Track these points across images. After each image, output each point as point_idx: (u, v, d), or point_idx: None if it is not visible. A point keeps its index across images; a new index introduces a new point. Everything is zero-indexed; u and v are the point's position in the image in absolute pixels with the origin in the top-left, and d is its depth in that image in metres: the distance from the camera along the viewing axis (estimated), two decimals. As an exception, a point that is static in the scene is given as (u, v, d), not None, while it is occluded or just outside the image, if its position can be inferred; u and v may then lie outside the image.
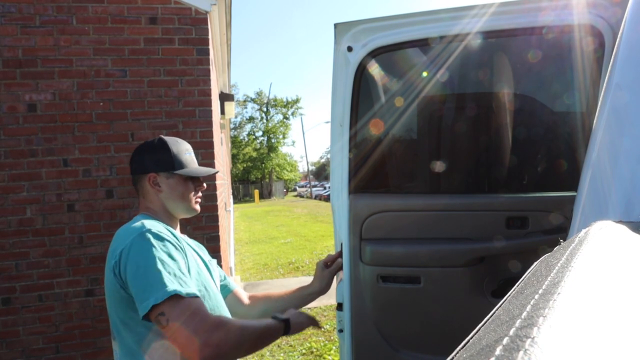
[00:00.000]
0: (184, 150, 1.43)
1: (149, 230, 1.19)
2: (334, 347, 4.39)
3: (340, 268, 1.72)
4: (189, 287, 1.12)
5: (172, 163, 1.37)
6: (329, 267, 1.69)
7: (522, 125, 1.69)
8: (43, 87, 2.99)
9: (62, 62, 3.01)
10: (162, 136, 1.41)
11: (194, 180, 1.42)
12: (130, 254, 1.15)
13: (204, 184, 1.46)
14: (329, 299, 5.99)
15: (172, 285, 1.09)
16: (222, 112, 6.69)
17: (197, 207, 1.43)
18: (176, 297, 1.08)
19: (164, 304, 1.07)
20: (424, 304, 1.63)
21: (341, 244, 1.77)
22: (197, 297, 1.12)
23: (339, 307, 1.80)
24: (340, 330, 1.82)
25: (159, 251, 1.15)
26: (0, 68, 2.92)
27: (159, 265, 1.12)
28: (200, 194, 1.46)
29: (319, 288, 1.64)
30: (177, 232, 1.39)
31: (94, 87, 3.06)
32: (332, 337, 4.66)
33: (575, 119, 1.61)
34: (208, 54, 3.23)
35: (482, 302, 1.55)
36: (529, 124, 1.73)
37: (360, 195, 1.72)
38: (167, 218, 1.38)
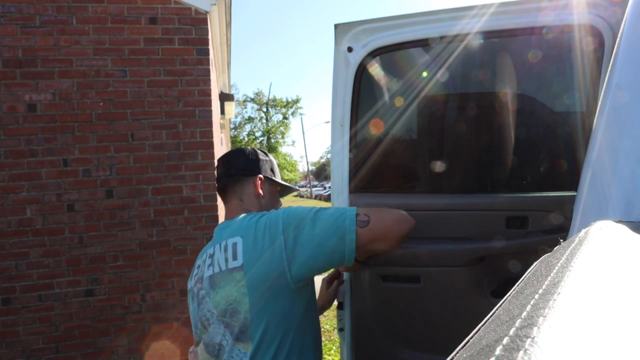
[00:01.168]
0: (277, 164, 1.52)
1: (288, 208, 1.23)
2: (334, 347, 4.39)
3: (341, 283, 1.75)
4: None
5: (274, 172, 1.45)
6: (332, 284, 1.72)
7: (522, 125, 1.69)
8: (43, 87, 2.99)
9: (62, 62, 3.01)
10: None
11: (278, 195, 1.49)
12: (297, 223, 1.15)
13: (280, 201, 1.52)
14: (329, 299, 6.00)
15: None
16: (222, 112, 6.70)
17: None
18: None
19: (358, 213, 1.16)
20: (424, 303, 1.63)
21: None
22: None
23: (340, 306, 1.80)
24: (341, 330, 1.82)
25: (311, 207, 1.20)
26: (0, 68, 2.92)
27: (324, 208, 1.18)
28: None
29: (324, 305, 1.71)
30: None
31: (94, 87, 3.06)
32: (332, 337, 4.66)
33: (575, 119, 1.61)
34: (208, 54, 3.23)
35: (482, 302, 1.55)
36: (529, 123, 1.73)
37: (360, 195, 1.72)
38: None
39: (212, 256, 1.23)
